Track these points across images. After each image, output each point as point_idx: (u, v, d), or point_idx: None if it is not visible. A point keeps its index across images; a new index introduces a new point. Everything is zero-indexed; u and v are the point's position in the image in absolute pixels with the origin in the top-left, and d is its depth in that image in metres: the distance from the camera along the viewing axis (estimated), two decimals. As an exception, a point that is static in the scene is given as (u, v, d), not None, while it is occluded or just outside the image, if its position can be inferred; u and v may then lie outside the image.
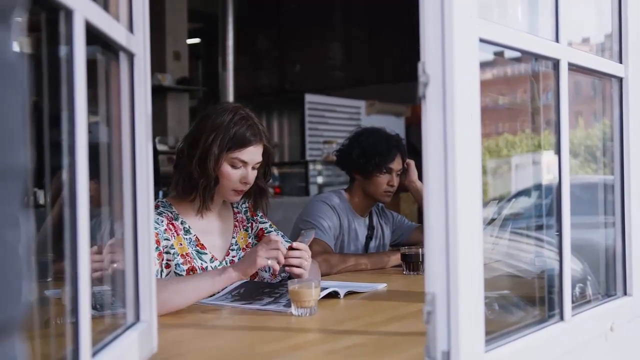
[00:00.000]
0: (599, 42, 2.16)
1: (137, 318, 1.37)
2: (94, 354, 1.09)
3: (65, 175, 1.01)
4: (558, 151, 1.53)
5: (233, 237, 2.37)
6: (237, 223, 2.41)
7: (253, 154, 2.25)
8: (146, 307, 1.38)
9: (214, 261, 2.27)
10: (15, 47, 0.58)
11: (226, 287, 2.13)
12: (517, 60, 1.77)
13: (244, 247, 2.39)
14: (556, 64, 1.53)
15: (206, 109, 2.32)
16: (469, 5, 1.21)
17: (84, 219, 1.01)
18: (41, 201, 2.21)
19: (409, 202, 6.62)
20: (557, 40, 1.53)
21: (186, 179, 2.23)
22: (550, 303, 1.57)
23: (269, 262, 2.03)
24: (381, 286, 2.37)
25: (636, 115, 1.84)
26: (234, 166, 2.23)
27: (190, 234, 2.25)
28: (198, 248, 2.25)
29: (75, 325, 1.00)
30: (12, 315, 0.57)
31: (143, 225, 1.38)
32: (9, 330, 0.57)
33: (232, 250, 2.35)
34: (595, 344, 1.66)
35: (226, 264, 2.29)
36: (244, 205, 2.46)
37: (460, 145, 1.17)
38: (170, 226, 2.21)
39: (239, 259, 2.32)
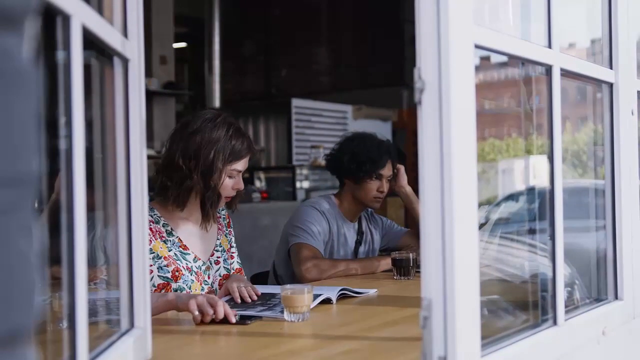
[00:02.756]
0: (587, 47, 2.18)
1: (132, 324, 1.36)
2: (90, 361, 1.08)
3: (61, 180, 1.00)
4: (551, 156, 1.54)
5: (217, 239, 2.46)
6: (220, 226, 2.50)
7: (246, 162, 2.36)
8: (140, 313, 1.37)
9: (197, 261, 2.35)
10: (27, 54, 0.58)
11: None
12: (502, 65, 1.78)
13: (227, 249, 2.49)
14: (549, 69, 1.54)
15: (193, 120, 2.33)
16: (465, 12, 1.22)
17: (80, 225, 1.01)
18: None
19: (395, 206, 6.64)
20: (549, 46, 1.54)
21: (186, 192, 2.29)
22: (544, 307, 1.57)
23: (196, 312, 1.85)
24: (372, 291, 2.37)
25: (626, 120, 1.86)
26: (230, 177, 2.32)
27: (173, 235, 2.32)
28: (181, 249, 2.31)
29: (72, 331, 1.00)
30: (24, 323, 0.56)
31: (137, 231, 1.37)
32: (21, 338, 0.56)
33: (217, 251, 2.44)
34: (587, 348, 1.66)
35: (210, 264, 2.39)
36: (223, 212, 2.54)
37: (457, 150, 1.17)
38: (149, 230, 2.25)
39: (223, 259, 2.44)
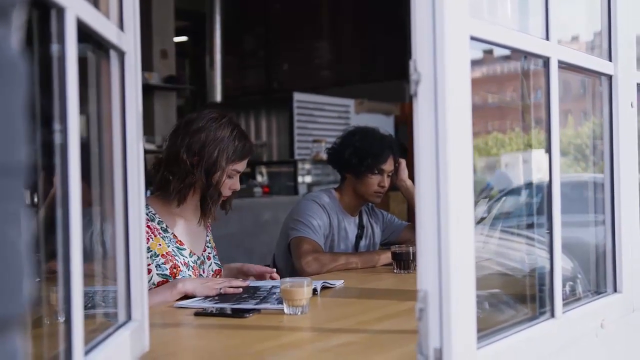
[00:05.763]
0: (588, 40, 2.17)
1: (129, 317, 1.36)
2: (87, 352, 1.08)
3: (57, 175, 1.00)
4: (549, 149, 1.54)
5: (207, 235, 2.51)
6: (208, 224, 2.54)
7: (245, 164, 2.41)
8: (138, 305, 1.37)
9: (192, 255, 2.38)
10: (15, 45, 0.58)
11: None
12: (505, 58, 1.78)
13: (214, 247, 2.54)
14: (546, 61, 1.54)
15: (197, 118, 2.36)
16: (460, 3, 1.21)
17: (76, 219, 1.01)
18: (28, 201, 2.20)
19: (397, 201, 6.64)
20: (547, 38, 1.54)
21: (187, 188, 2.31)
22: (541, 300, 1.57)
23: (222, 290, 2.17)
24: (339, 282, 2.41)
25: (625, 112, 1.85)
26: (230, 176, 2.36)
27: (168, 232, 2.34)
28: (177, 245, 2.35)
29: (68, 324, 1.00)
30: (13, 311, 0.57)
31: (134, 224, 1.37)
32: (10, 326, 0.56)
33: (208, 247, 2.49)
34: (586, 340, 1.66)
35: (204, 258, 2.44)
36: None
37: (452, 142, 1.17)
38: (147, 228, 2.27)
39: (213, 256, 2.50)
